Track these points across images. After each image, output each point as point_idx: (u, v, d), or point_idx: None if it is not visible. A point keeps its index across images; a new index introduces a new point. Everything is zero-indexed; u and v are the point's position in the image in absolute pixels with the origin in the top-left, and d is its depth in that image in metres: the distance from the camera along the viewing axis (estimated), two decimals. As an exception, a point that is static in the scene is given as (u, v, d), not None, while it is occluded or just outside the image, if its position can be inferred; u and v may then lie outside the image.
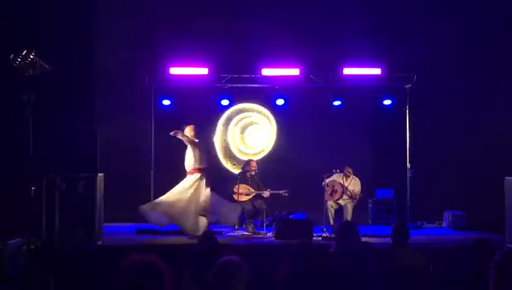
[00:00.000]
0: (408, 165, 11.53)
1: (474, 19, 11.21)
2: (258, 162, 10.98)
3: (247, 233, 9.79)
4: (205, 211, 9.34)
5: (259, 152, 12.32)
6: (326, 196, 10.28)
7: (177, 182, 9.57)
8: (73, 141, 8.43)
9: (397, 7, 11.61)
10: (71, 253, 7.84)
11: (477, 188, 10.78)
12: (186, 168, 9.42)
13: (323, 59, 11.63)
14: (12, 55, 7.53)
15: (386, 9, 11.65)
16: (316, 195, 10.41)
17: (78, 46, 10.93)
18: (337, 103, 11.75)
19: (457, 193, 11.09)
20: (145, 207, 9.18)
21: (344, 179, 10.45)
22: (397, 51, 11.39)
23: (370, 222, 11.57)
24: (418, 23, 11.52)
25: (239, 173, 10.66)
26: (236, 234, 9.78)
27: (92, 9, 11.45)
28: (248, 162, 10.68)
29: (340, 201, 10.35)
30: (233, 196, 9.97)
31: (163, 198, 9.29)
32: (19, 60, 7.47)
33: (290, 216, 10.61)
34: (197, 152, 9.38)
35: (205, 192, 9.30)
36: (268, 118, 12.32)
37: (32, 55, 7.54)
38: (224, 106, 12.01)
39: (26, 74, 7.48)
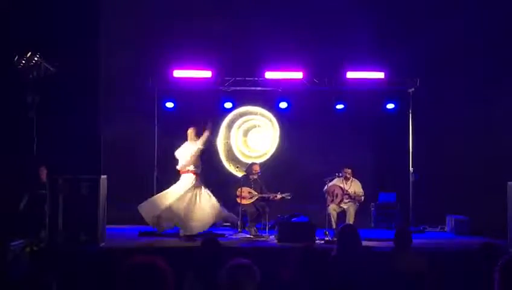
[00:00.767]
0: (411, 169, 11.52)
1: (478, 23, 11.21)
2: (260, 165, 10.99)
3: (249, 236, 9.79)
4: (217, 217, 9.63)
5: (262, 155, 12.34)
6: (328, 200, 10.29)
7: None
8: (76, 143, 8.46)
9: (401, 11, 11.62)
10: (74, 255, 7.86)
11: (480, 193, 10.77)
12: (180, 164, 9.58)
13: (326, 62, 11.63)
14: (16, 57, 7.56)
15: (390, 13, 11.65)
16: (319, 198, 10.41)
17: (82, 48, 10.91)
18: (340, 106, 11.75)
19: (460, 197, 11.08)
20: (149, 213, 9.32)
21: (344, 182, 10.45)
22: (400, 54, 11.39)
23: (372, 225, 11.56)
24: (422, 27, 11.52)
25: (242, 176, 10.67)
26: (238, 236, 9.78)
27: (96, 11, 11.45)
28: (251, 165, 10.69)
29: (342, 204, 10.35)
30: (236, 199, 9.98)
31: (164, 204, 9.39)
32: (23, 62, 7.50)
33: (293, 219, 10.61)
34: (199, 155, 9.51)
35: (211, 199, 9.46)
36: (271, 121, 12.33)
37: (37, 57, 7.57)
38: (228, 108, 12.03)
39: (31, 76, 7.51)
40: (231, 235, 9.86)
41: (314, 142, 11.84)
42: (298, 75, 11.54)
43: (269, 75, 11.51)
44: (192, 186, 9.50)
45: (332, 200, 10.33)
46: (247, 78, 11.57)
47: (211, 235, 9.13)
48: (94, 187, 8.39)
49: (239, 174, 11.23)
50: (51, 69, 7.72)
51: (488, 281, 4.18)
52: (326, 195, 10.30)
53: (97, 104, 11.49)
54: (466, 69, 11.38)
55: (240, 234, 9.92)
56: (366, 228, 10.74)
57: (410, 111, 11.61)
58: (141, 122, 11.47)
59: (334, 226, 10.09)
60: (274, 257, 7.60)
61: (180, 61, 11.48)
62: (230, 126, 12.35)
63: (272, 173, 11.41)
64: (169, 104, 11.68)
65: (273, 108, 12.12)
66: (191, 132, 9.74)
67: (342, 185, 10.41)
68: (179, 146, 9.81)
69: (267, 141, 12.37)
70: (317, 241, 9.07)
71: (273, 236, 9.55)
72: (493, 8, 11.21)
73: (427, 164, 11.47)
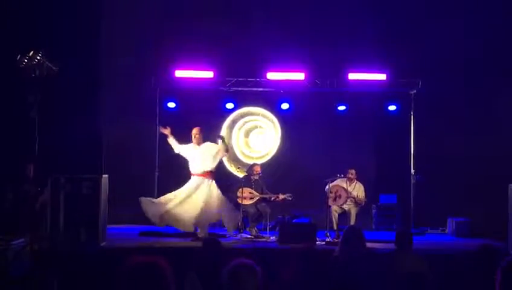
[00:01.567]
0: (412, 171, 11.51)
1: (480, 25, 11.20)
2: (262, 166, 11.00)
3: (250, 236, 9.79)
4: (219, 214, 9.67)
5: (264, 156, 12.33)
6: (330, 201, 10.27)
7: (180, 185, 9.63)
8: (78, 142, 8.47)
9: (403, 13, 11.61)
10: (74, 254, 7.86)
11: (481, 195, 10.75)
12: (199, 169, 9.53)
13: (328, 64, 11.63)
14: (19, 56, 7.55)
15: (392, 15, 11.65)
16: (320, 199, 10.40)
17: (84, 47, 10.96)
18: (341, 107, 11.76)
19: (461, 199, 11.07)
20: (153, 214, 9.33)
21: (347, 183, 10.44)
22: (402, 56, 11.39)
23: (373, 227, 11.55)
24: (423, 29, 11.52)
25: (243, 176, 10.66)
26: (239, 237, 9.78)
27: (98, 11, 11.48)
28: (252, 166, 10.69)
29: (344, 206, 10.34)
30: (237, 199, 9.98)
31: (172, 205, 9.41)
32: (26, 60, 7.49)
33: (294, 220, 10.60)
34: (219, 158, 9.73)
35: (220, 196, 9.54)
36: (272, 122, 12.33)
37: (39, 56, 7.56)
38: (229, 109, 12.03)
39: (33, 75, 7.50)
40: (232, 236, 9.85)
41: (316, 143, 11.83)
42: (300, 76, 11.54)
43: (271, 76, 11.52)
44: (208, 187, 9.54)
45: (334, 200, 10.29)
46: (249, 79, 11.58)
47: (212, 235, 9.13)
48: (95, 187, 8.40)
49: (240, 174, 11.23)
50: (53, 68, 7.71)
51: (489, 283, 4.18)
52: (328, 194, 10.26)
53: (99, 104, 11.53)
54: (467, 71, 11.37)
55: (241, 234, 9.92)
56: (367, 230, 10.72)
57: (412, 113, 11.60)
58: (143, 122, 11.46)
59: (335, 227, 10.08)
60: (275, 257, 7.59)
61: (182, 61, 11.49)
62: (231, 127, 12.35)
63: (273, 174, 11.41)
64: (171, 104, 11.68)
65: (274, 109, 12.12)
66: (196, 132, 9.65)
67: (345, 186, 10.39)
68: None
69: (269, 142, 12.37)
70: (318, 243, 9.06)
71: (274, 237, 9.55)
72: (494, 11, 11.20)
73: (428, 165, 11.46)
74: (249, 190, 10.19)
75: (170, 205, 9.33)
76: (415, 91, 11.52)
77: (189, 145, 9.67)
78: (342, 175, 10.36)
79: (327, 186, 10.25)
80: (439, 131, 11.57)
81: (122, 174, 10.62)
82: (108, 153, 9.09)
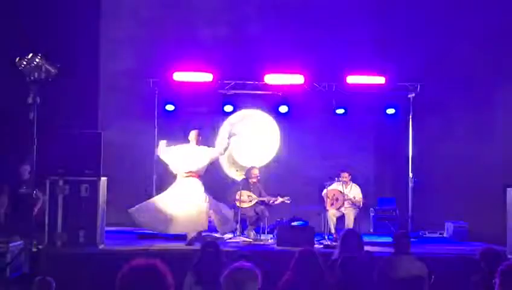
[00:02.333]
0: (410, 174, 11.52)
1: (479, 28, 11.23)
2: (260, 168, 10.99)
3: (248, 239, 9.78)
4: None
5: (262, 159, 12.31)
6: (328, 204, 10.28)
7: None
8: (76, 145, 8.45)
9: (402, 17, 11.64)
10: (73, 256, 7.85)
11: (479, 199, 10.76)
12: (190, 168, 9.32)
13: (327, 67, 11.63)
14: (17, 58, 7.55)
15: (391, 18, 11.68)
16: (318, 202, 10.41)
17: (83, 50, 10.97)
18: (340, 110, 11.75)
19: (459, 203, 11.07)
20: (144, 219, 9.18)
21: (343, 186, 10.44)
22: (401, 60, 11.40)
23: (371, 230, 11.54)
24: (423, 33, 11.54)
25: (241, 179, 10.66)
26: (237, 240, 9.77)
27: (97, 13, 11.50)
28: (250, 169, 10.68)
29: (342, 209, 10.35)
30: (236, 202, 9.97)
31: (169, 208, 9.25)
32: (25, 63, 7.48)
33: (292, 223, 10.60)
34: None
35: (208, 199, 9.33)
36: (271, 125, 12.32)
37: (38, 58, 7.55)
38: (228, 112, 12.02)
39: (32, 77, 7.50)
40: (230, 238, 9.84)
41: (314, 146, 11.84)
42: (299, 79, 11.53)
43: (269, 78, 11.51)
44: (202, 190, 9.36)
45: (332, 204, 10.31)
46: (247, 82, 11.58)
47: (210, 238, 9.09)
48: (94, 189, 8.39)
49: (238, 177, 11.22)
50: (52, 70, 7.70)
51: (488, 287, 4.18)
52: (325, 199, 10.30)
53: (97, 106, 11.53)
54: (467, 74, 11.39)
55: (239, 237, 9.91)
56: (366, 233, 10.73)
57: (411, 116, 11.61)
58: (141, 125, 11.46)
59: (333, 231, 10.09)
60: (273, 260, 7.59)
61: (181, 64, 11.49)
62: (229, 129, 12.31)
63: (271, 177, 11.40)
64: (170, 107, 11.66)
65: (273, 112, 12.11)
66: (195, 134, 9.52)
67: (341, 190, 10.40)
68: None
69: (267, 145, 12.35)
70: (316, 246, 9.06)
71: (272, 240, 9.55)
72: (494, 13, 11.23)
73: (426, 169, 11.47)
74: (248, 193, 10.19)
75: (169, 211, 9.17)
76: (413, 95, 11.52)
77: (184, 145, 9.49)
78: (339, 179, 10.38)
79: (324, 190, 10.27)
80: (438, 134, 11.59)
81: (121, 177, 10.61)
82: (107, 155, 9.05)
